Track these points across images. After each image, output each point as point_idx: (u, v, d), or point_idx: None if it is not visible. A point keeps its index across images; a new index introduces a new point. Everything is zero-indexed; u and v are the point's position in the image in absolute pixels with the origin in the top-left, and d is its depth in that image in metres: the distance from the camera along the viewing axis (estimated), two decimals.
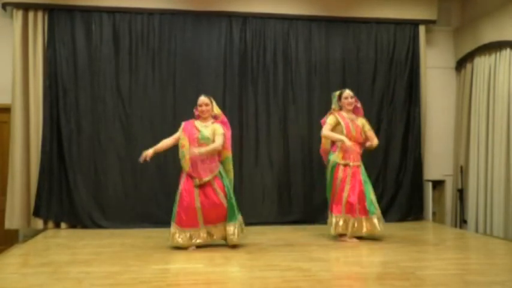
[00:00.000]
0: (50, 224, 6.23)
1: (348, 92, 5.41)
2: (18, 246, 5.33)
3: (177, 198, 4.80)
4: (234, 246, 4.80)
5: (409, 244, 5.09)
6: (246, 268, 4.01)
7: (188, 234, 4.73)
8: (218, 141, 4.76)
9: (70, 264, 4.08)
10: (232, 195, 4.83)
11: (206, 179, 4.73)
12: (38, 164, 6.16)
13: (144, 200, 6.38)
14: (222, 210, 4.75)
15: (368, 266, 4.09)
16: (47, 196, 6.15)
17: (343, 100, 5.39)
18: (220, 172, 4.83)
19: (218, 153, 4.90)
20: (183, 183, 4.78)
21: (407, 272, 3.81)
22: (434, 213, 7.16)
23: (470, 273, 3.85)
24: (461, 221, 6.92)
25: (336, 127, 5.30)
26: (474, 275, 3.81)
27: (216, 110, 5.02)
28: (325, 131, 5.29)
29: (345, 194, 5.14)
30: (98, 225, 6.20)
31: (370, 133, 5.42)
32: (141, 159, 4.85)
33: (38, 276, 3.67)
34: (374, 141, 5.39)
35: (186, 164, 4.74)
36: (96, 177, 6.32)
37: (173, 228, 4.80)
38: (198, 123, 4.94)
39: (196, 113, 5.03)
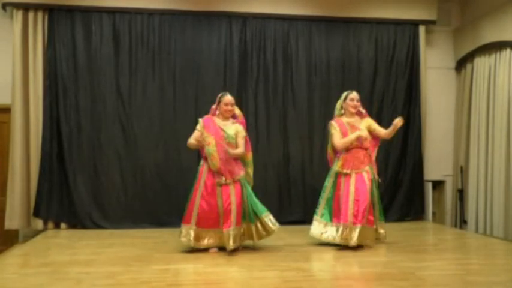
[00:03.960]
0: (50, 224, 6.23)
1: (354, 94, 5.07)
2: (18, 247, 5.33)
3: (195, 197, 4.63)
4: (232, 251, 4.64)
5: (409, 244, 5.09)
6: (246, 268, 4.01)
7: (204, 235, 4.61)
8: (241, 148, 4.65)
9: (70, 265, 4.08)
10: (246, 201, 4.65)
11: (234, 178, 4.60)
12: (38, 164, 6.16)
13: (144, 200, 6.38)
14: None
15: (368, 266, 4.09)
16: (47, 196, 6.14)
17: (348, 101, 5.04)
18: (242, 178, 4.68)
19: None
20: (205, 180, 4.63)
21: (407, 272, 3.81)
22: (434, 214, 7.16)
23: (470, 274, 3.85)
24: (461, 221, 6.92)
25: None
26: (474, 275, 3.81)
27: (237, 110, 4.91)
28: (338, 141, 4.93)
29: (350, 205, 4.76)
30: (97, 226, 6.20)
31: (381, 128, 5.10)
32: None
33: (38, 277, 3.67)
34: (389, 134, 5.05)
35: (215, 162, 4.56)
36: (96, 177, 6.32)
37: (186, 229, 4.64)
38: (218, 121, 4.75)
39: (216, 111, 4.84)
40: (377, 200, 5.00)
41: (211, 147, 4.60)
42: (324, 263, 4.21)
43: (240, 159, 4.75)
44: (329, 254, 4.58)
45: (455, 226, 6.96)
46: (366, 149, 4.99)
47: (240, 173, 4.67)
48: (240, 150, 4.65)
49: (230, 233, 4.48)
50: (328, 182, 5.06)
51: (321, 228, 4.98)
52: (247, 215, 4.65)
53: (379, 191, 5.10)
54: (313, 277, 3.68)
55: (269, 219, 4.72)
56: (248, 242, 4.79)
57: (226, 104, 4.77)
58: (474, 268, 4.11)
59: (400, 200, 6.88)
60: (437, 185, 7.29)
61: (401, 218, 6.80)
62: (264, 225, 4.69)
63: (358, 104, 5.08)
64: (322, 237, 4.93)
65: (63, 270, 3.86)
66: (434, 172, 7.19)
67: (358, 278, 3.74)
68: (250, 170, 4.87)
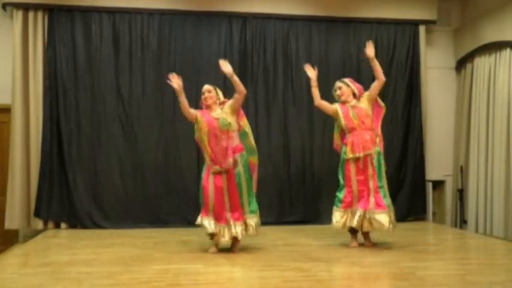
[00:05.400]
0: (50, 224, 6.23)
1: (336, 84, 5.07)
2: (18, 247, 5.34)
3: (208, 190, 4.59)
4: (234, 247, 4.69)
5: (409, 244, 5.09)
6: (246, 268, 4.01)
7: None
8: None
9: (70, 264, 4.08)
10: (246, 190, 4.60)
11: (229, 166, 4.53)
12: (38, 164, 6.16)
13: (144, 200, 6.38)
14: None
15: (368, 266, 4.08)
16: (47, 196, 6.15)
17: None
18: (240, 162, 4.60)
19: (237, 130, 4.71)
20: (205, 173, 4.62)
21: (407, 272, 3.81)
22: (434, 213, 7.16)
23: (470, 273, 3.85)
24: (461, 221, 6.92)
25: (337, 119, 4.96)
26: (474, 275, 3.81)
27: (222, 97, 4.86)
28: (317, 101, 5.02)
29: (360, 188, 4.77)
30: (97, 226, 6.20)
31: (372, 88, 4.94)
32: (171, 77, 4.69)
33: (38, 276, 3.67)
34: (378, 75, 4.87)
35: (206, 149, 4.56)
36: (96, 177, 6.32)
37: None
38: (211, 113, 4.70)
39: (203, 106, 4.80)
40: (380, 184, 4.82)
41: (202, 134, 4.59)
42: (324, 263, 4.21)
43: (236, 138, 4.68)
44: (329, 254, 4.57)
45: (455, 226, 6.96)
46: (371, 129, 4.88)
47: (232, 157, 4.55)
48: (235, 86, 4.61)
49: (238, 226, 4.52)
50: (339, 173, 4.96)
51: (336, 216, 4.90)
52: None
53: (384, 175, 4.90)
54: (313, 277, 3.68)
55: (253, 221, 4.60)
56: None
57: (203, 93, 4.78)
58: (474, 268, 4.12)
59: (401, 201, 6.85)
60: (437, 185, 7.28)
61: (403, 218, 6.78)
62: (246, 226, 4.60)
63: (343, 91, 4.99)
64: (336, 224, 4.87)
65: (63, 270, 3.86)
66: (435, 172, 7.19)
67: (358, 278, 3.74)
68: (251, 139, 4.77)
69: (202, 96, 4.79)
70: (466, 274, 3.82)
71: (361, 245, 4.90)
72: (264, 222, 6.26)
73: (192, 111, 4.69)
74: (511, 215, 6.00)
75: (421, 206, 6.96)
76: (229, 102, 4.73)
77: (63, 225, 6.25)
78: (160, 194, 6.41)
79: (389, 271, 3.90)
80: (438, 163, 7.21)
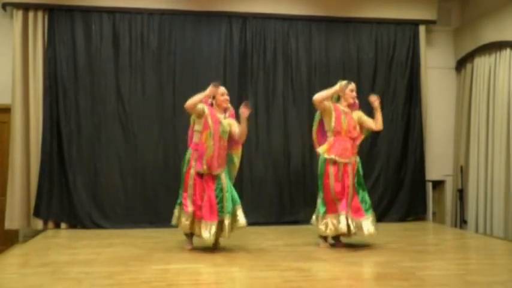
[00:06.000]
0: (50, 224, 6.23)
1: (354, 85, 5.06)
2: (18, 247, 5.33)
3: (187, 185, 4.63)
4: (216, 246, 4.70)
5: (409, 244, 5.09)
6: (246, 268, 4.01)
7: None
8: (241, 127, 4.65)
9: (70, 264, 4.08)
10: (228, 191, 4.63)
11: (217, 172, 4.57)
12: (38, 164, 6.16)
13: (144, 200, 6.39)
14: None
15: (368, 266, 4.09)
16: (47, 196, 6.14)
17: (348, 92, 4.98)
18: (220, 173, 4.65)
19: (231, 146, 4.79)
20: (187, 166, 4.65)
21: (407, 272, 3.81)
22: (434, 213, 7.17)
23: (470, 273, 3.85)
24: (461, 221, 6.92)
25: (326, 117, 4.94)
26: (474, 275, 3.81)
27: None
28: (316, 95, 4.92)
29: (338, 190, 4.74)
30: (97, 226, 6.20)
31: (371, 120, 5.04)
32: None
33: (38, 276, 3.67)
34: (378, 122, 5.02)
35: (210, 150, 4.53)
36: (96, 178, 6.32)
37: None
38: (218, 114, 4.74)
39: (211, 103, 4.79)
40: (360, 191, 4.86)
41: (208, 133, 4.57)
42: (324, 263, 4.21)
43: (228, 153, 4.77)
44: (329, 254, 4.58)
45: (455, 226, 6.96)
46: (353, 139, 4.91)
47: (220, 169, 4.63)
48: (242, 128, 4.64)
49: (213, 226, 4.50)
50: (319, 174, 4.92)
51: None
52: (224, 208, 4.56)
53: (363, 184, 4.95)
54: (313, 277, 3.68)
55: (241, 212, 4.63)
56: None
57: (222, 94, 4.77)
58: (474, 268, 4.12)
59: (401, 201, 6.87)
60: (437, 185, 7.28)
61: (403, 218, 6.80)
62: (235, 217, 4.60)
63: (355, 95, 5.06)
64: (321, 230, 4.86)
65: (63, 270, 3.86)
66: (434, 172, 7.19)
67: (358, 278, 3.74)
68: (237, 161, 4.87)
69: (222, 97, 4.77)
70: (466, 274, 3.82)
71: (355, 246, 4.86)
72: (264, 222, 6.32)
73: (200, 105, 4.66)
74: (511, 215, 6.00)
75: (421, 206, 6.96)
76: (235, 126, 4.74)
77: (63, 225, 6.25)
78: (160, 194, 6.41)
79: (389, 271, 3.90)
80: (438, 163, 7.21)
